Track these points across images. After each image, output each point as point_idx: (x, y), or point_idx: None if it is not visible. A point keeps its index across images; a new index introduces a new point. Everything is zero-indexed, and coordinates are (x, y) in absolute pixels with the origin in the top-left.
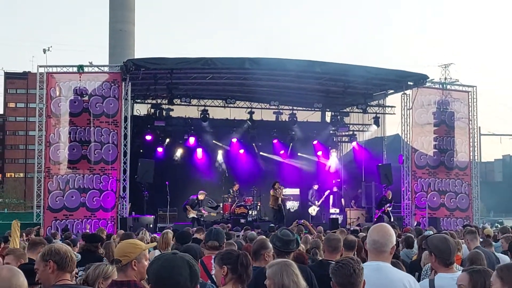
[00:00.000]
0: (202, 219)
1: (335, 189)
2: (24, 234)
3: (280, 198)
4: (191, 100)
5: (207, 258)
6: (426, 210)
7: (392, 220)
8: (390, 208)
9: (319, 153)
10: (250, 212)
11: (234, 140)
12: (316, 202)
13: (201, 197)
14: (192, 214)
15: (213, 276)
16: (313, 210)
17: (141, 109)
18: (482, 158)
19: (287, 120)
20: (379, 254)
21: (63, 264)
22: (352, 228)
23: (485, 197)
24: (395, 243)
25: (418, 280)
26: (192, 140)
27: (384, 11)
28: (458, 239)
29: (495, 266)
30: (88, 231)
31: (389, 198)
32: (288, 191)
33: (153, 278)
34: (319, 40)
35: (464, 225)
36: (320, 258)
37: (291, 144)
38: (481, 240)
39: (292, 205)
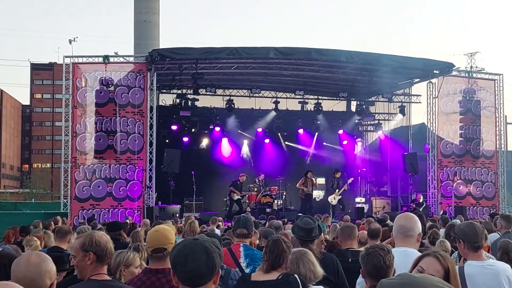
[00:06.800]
0: (243, 200)
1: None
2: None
3: (310, 187)
4: (216, 90)
5: (235, 246)
6: (452, 199)
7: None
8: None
9: (345, 142)
10: (275, 202)
11: (259, 130)
12: (337, 191)
13: (242, 179)
14: (237, 196)
15: (241, 263)
16: (333, 199)
17: (167, 99)
18: (509, 147)
19: (312, 109)
20: (405, 239)
21: (102, 256)
22: (379, 217)
23: None
24: (421, 230)
25: None
26: (217, 130)
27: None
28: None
29: None
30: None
31: (420, 202)
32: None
33: (171, 265)
34: (342, 29)
35: (491, 213)
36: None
37: (316, 133)
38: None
39: (317, 194)
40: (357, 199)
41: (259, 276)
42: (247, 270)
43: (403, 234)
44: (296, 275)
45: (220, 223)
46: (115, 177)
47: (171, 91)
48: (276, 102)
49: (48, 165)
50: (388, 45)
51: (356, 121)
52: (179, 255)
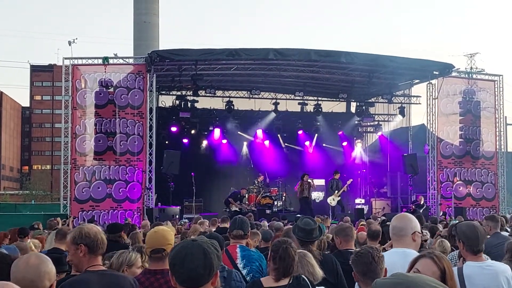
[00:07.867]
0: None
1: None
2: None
3: (306, 190)
4: (216, 91)
5: (232, 247)
6: (452, 200)
7: (420, 209)
8: (421, 210)
9: (344, 143)
10: (275, 203)
11: (259, 131)
12: (336, 192)
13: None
14: (235, 207)
15: (238, 265)
16: (332, 200)
17: (166, 100)
18: (509, 148)
19: (312, 110)
20: (399, 240)
21: (93, 247)
22: (380, 219)
23: None
24: (418, 230)
25: None
26: (217, 131)
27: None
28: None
29: None
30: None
31: (421, 203)
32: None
33: (169, 265)
34: (342, 30)
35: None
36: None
37: (316, 134)
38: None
39: (317, 195)
40: (357, 200)
41: (270, 282)
42: (244, 271)
43: (396, 235)
44: (304, 276)
45: (219, 224)
46: (114, 178)
47: (171, 93)
48: (276, 103)
49: (48, 166)
50: (388, 46)
51: (356, 122)
52: (177, 255)
